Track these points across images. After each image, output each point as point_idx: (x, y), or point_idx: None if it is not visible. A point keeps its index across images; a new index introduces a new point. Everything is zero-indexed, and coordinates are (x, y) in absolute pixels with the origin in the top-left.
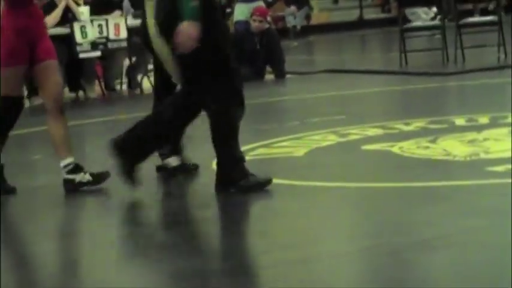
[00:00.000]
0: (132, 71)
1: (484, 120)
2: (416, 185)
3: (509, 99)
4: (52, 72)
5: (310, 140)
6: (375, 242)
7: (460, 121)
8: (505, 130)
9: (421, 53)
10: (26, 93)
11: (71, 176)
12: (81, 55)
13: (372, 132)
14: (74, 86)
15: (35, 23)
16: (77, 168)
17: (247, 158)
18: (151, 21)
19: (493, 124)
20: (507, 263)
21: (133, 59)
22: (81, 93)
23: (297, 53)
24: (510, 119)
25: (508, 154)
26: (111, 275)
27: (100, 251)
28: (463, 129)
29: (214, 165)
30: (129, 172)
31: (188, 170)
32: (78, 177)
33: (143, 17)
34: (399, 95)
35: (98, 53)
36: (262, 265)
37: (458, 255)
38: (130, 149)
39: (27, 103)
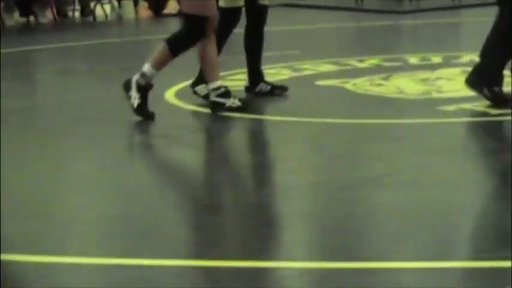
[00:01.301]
0: None
1: (437, 59)
2: (368, 122)
3: (463, 39)
4: None
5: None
6: (325, 177)
7: (413, 60)
8: (458, 70)
9: None
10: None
11: (220, 99)
12: None
13: (326, 68)
14: (25, 11)
15: None
16: (227, 93)
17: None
18: None
19: (446, 63)
20: (455, 200)
21: None
22: (32, 18)
23: None
24: (463, 58)
25: (459, 94)
26: None
27: None
28: (417, 67)
29: (166, 95)
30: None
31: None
32: (229, 102)
33: None
34: (354, 31)
35: None
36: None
37: (407, 191)
38: None
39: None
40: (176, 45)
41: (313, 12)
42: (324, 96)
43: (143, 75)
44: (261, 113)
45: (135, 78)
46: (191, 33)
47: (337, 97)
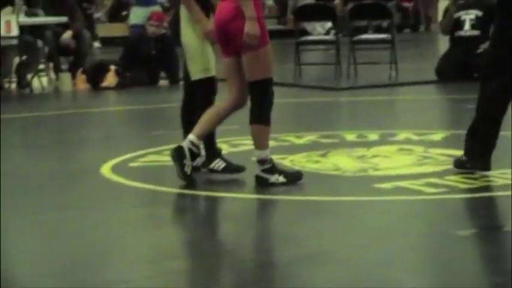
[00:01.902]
0: (22, 70)
1: (373, 136)
2: (304, 199)
3: (399, 116)
4: None
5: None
6: (259, 255)
7: (350, 136)
8: (394, 147)
9: (316, 66)
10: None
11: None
12: None
13: None
14: None
15: None
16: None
17: (136, 164)
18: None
19: (382, 141)
20: (387, 281)
21: (24, 57)
22: None
23: None
24: (399, 136)
25: (395, 171)
26: None
27: None
28: (353, 144)
29: (102, 169)
30: None
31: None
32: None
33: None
34: (293, 107)
35: None
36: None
37: (342, 270)
38: None
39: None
40: (264, 116)
41: None
42: None
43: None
44: (196, 189)
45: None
46: (267, 96)
47: None
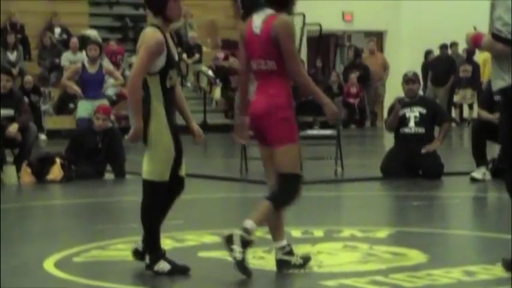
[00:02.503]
0: None
1: (319, 233)
2: None
3: (344, 213)
4: None
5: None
6: None
7: (296, 233)
8: (339, 244)
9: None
10: None
11: (287, 257)
12: None
13: (209, 239)
14: None
15: None
16: (291, 251)
17: (80, 259)
18: None
19: (328, 237)
20: None
21: None
22: None
23: (139, 153)
24: (344, 233)
25: (339, 269)
26: None
27: None
28: (298, 241)
29: (45, 264)
30: None
31: None
32: (293, 260)
33: None
34: (238, 202)
35: None
36: None
37: None
38: None
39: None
40: (280, 200)
41: (199, 181)
42: (205, 268)
43: (246, 230)
44: (140, 285)
45: (240, 233)
46: (293, 189)
47: (219, 270)
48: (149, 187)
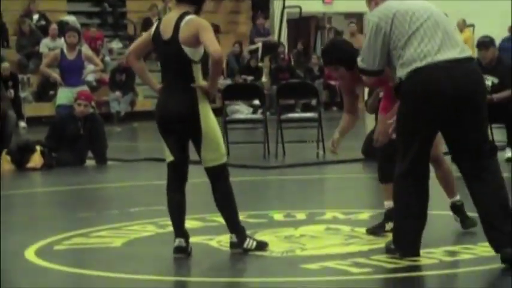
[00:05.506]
0: None
1: (301, 216)
2: (231, 280)
3: (327, 195)
4: None
5: (129, 230)
6: None
7: (278, 216)
8: (321, 227)
9: (244, 145)
10: None
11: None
12: None
13: (191, 224)
14: None
15: None
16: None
17: (62, 247)
18: None
19: (310, 220)
20: None
21: None
22: None
23: (120, 139)
24: (326, 215)
25: (322, 251)
26: None
27: None
28: (281, 224)
29: (26, 253)
30: None
31: None
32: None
33: None
34: None
35: None
36: None
37: None
38: None
39: None
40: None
41: None
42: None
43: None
44: (123, 272)
45: None
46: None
47: (202, 255)
48: (225, 171)
